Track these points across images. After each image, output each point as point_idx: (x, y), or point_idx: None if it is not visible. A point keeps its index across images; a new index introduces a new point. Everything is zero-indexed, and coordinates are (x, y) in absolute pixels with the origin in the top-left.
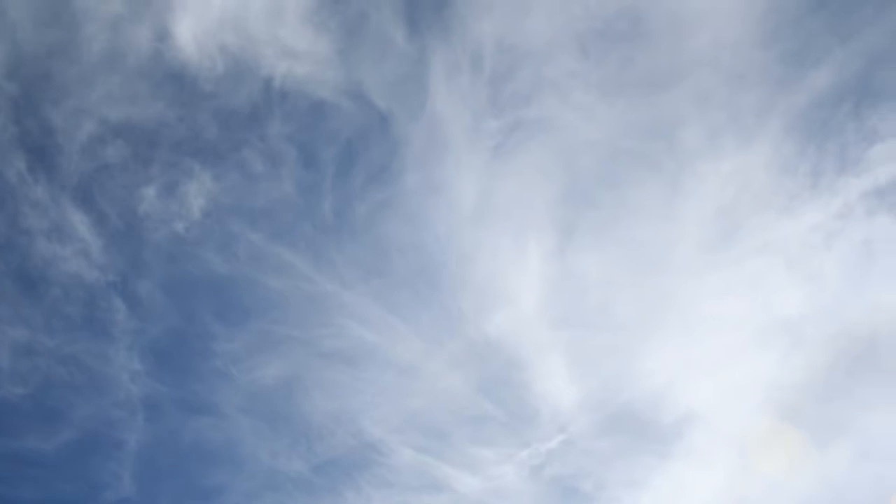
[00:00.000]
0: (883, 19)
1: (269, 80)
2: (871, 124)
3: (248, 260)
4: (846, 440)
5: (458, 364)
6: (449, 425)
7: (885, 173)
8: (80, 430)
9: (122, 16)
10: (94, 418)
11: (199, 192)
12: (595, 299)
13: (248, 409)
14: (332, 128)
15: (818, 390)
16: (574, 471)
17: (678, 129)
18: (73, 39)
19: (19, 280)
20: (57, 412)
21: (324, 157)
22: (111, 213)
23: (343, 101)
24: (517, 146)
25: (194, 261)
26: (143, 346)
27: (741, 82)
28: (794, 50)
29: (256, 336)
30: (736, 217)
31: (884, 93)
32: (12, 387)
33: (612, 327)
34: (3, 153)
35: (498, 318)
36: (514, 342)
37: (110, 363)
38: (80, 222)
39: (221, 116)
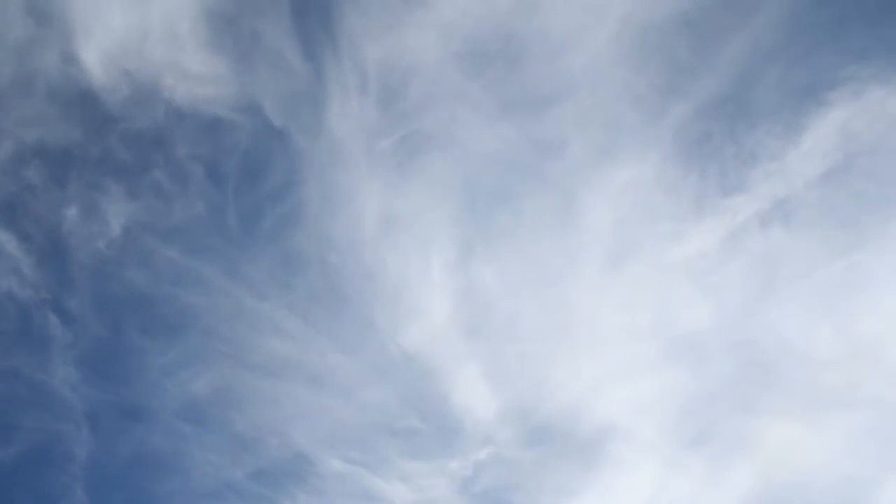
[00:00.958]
0: (747, 41)
1: (170, 103)
2: (748, 147)
3: (168, 276)
4: (752, 452)
5: (380, 377)
6: (376, 437)
7: (768, 192)
8: (26, 444)
9: (29, 41)
10: (41, 431)
11: (118, 211)
12: (503, 311)
13: (185, 420)
14: (233, 146)
15: (726, 403)
16: (503, 482)
17: (566, 146)
18: None
19: None
20: (2, 426)
21: (228, 175)
22: (37, 232)
23: (242, 120)
24: (414, 162)
25: (118, 278)
26: (80, 360)
27: (619, 103)
28: (665, 73)
29: (185, 350)
30: (632, 232)
31: (757, 113)
32: None
33: (522, 339)
34: None
35: (411, 332)
36: (429, 355)
37: (51, 376)
38: (7, 241)
39: (130, 138)
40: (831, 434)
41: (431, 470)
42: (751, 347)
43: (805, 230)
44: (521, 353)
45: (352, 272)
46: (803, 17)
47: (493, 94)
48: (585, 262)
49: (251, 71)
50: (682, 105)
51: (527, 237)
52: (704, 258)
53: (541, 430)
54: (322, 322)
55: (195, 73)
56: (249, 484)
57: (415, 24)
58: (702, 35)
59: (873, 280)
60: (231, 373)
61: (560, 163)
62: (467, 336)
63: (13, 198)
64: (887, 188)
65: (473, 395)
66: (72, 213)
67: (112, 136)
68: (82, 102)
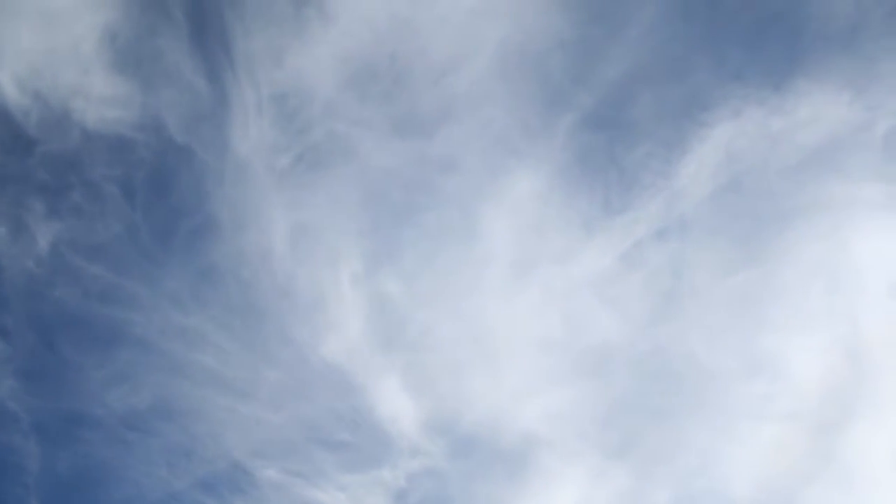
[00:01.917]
0: (621, 62)
1: (82, 125)
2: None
3: (97, 293)
4: (671, 462)
5: (306, 390)
6: (310, 449)
7: (658, 211)
8: None
9: None
10: None
11: (44, 230)
12: (416, 323)
13: (129, 430)
14: (142, 165)
15: (642, 413)
16: (435, 494)
17: (459, 163)
18: None
19: None
20: None
21: (140, 194)
22: None
23: (148, 139)
24: (316, 179)
25: (49, 296)
26: (20, 373)
27: (503, 123)
28: (544, 95)
29: (120, 363)
30: (532, 246)
31: (637, 133)
32: None
33: (437, 350)
34: None
35: (330, 345)
36: (350, 368)
37: None
38: None
39: (48, 160)
40: (747, 445)
41: (367, 481)
42: (659, 359)
43: (700, 247)
44: (437, 365)
45: (266, 287)
46: (676, 37)
47: (384, 114)
48: (490, 275)
49: (155, 92)
50: (562, 125)
51: (431, 250)
52: (605, 271)
53: (466, 441)
54: (245, 336)
55: (102, 96)
56: (192, 493)
57: (308, 47)
58: (576, 56)
59: (771, 295)
60: (167, 385)
61: (455, 179)
62: (384, 348)
63: None
64: (775, 204)
65: (397, 406)
66: (1, 231)
67: (32, 158)
68: (2, 124)
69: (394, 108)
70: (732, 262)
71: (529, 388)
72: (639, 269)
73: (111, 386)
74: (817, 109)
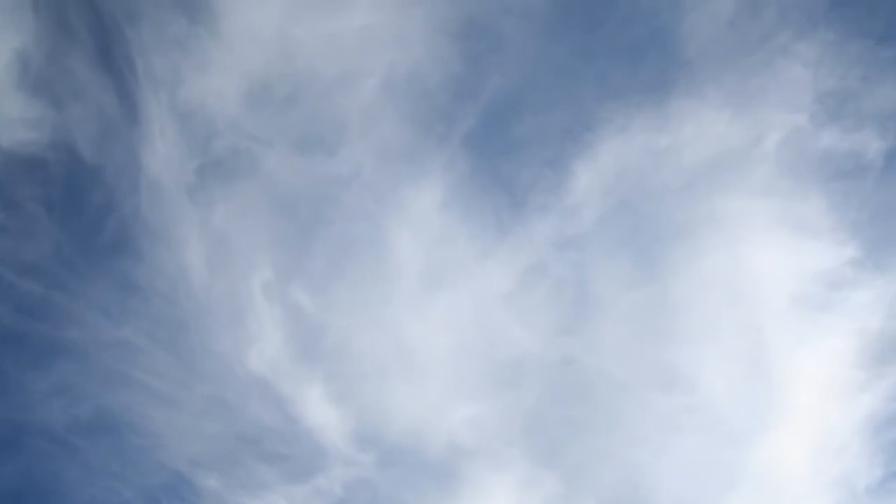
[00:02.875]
0: (501, 85)
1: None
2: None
3: (30, 309)
4: (593, 474)
5: (237, 402)
6: (247, 461)
7: (552, 229)
8: None
9: None
10: None
11: None
12: (333, 335)
13: (71, 443)
14: (58, 185)
15: (564, 423)
16: (371, 503)
17: (359, 178)
18: None
19: None
20: None
21: (61, 212)
22: None
23: (62, 159)
24: (225, 195)
25: None
26: None
27: (396, 143)
28: (431, 117)
29: (61, 376)
30: (438, 259)
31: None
32: None
33: (355, 362)
34: None
35: (253, 358)
36: (275, 380)
37: None
38: None
39: None
40: (666, 455)
41: (307, 492)
42: (571, 370)
43: (599, 265)
44: (358, 376)
45: (185, 301)
46: (556, 58)
47: (283, 130)
48: (401, 286)
49: (67, 112)
50: (450, 146)
51: (341, 262)
52: (509, 284)
53: (394, 451)
54: (173, 348)
55: (16, 118)
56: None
57: (205, 66)
58: (460, 80)
59: (673, 309)
60: (105, 396)
61: (358, 193)
62: (304, 360)
63: None
64: (668, 222)
65: (326, 418)
66: None
67: None
68: None
69: (291, 125)
70: (632, 278)
71: (449, 398)
72: (541, 283)
73: (52, 398)
74: (701, 127)
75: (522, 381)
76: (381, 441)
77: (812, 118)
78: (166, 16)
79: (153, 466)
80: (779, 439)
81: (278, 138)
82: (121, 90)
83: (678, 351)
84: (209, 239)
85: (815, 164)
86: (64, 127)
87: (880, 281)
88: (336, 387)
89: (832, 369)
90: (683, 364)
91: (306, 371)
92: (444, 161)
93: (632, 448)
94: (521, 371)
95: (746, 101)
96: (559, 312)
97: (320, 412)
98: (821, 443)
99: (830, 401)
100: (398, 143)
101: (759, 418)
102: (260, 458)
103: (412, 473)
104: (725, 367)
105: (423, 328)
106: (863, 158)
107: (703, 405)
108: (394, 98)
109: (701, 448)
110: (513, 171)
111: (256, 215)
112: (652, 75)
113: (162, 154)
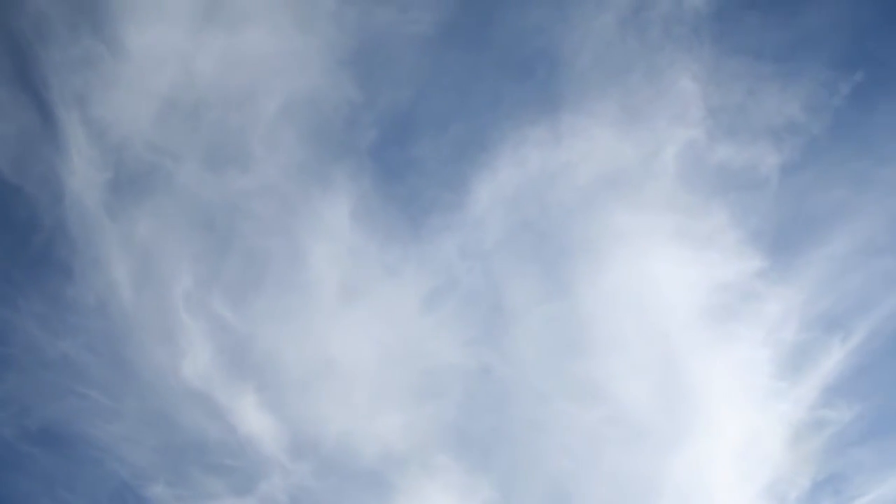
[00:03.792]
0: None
1: None
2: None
3: None
4: (526, 481)
5: (176, 415)
6: (191, 473)
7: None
8: None
9: None
10: None
11: None
12: (259, 347)
13: (21, 454)
14: None
15: (492, 431)
16: None
17: (272, 194)
18: None
19: None
20: None
21: None
22: None
23: None
24: (144, 212)
25: None
26: None
27: (300, 164)
28: (330, 143)
29: (6, 391)
30: (353, 272)
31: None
32: None
33: (283, 373)
34: None
35: (186, 371)
36: (209, 393)
37: None
38: None
39: None
40: (594, 465)
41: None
42: (491, 380)
43: (507, 281)
44: (287, 387)
45: (116, 316)
46: (447, 81)
47: (193, 147)
48: (319, 298)
49: None
50: (352, 161)
51: (260, 274)
52: (423, 296)
53: (329, 460)
54: (112, 362)
55: None
56: None
57: (113, 84)
58: (353, 103)
59: (585, 322)
60: (51, 409)
61: (271, 207)
62: (234, 372)
63: None
64: (570, 239)
65: (262, 429)
66: None
67: None
68: None
69: (200, 141)
70: (541, 291)
71: (376, 407)
72: (452, 296)
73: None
74: (594, 142)
75: (444, 391)
76: (317, 449)
77: (707, 132)
78: (73, 36)
79: (100, 477)
80: (700, 448)
81: (189, 154)
82: (38, 108)
83: (593, 363)
84: (132, 253)
85: (714, 178)
86: None
87: (789, 291)
88: (268, 397)
89: (749, 378)
90: (599, 376)
91: (238, 382)
92: (348, 173)
93: (559, 458)
94: (441, 380)
95: (637, 115)
96: (472, 323)
97: (255, 422)
98: (744, 452)
99: (750, 410)
100: (303, 159)
101: (679, 428)
102: (204, 469)
103: (348, 481)
104: (640, 379)
105: (344, 339)
106: (760, 171)
107: (623, 416)
108: (295, 118)
109: (624, 458)
110: (412, 193)
111: (175, 230)
112: (542, 92)
113: (80, 170)
